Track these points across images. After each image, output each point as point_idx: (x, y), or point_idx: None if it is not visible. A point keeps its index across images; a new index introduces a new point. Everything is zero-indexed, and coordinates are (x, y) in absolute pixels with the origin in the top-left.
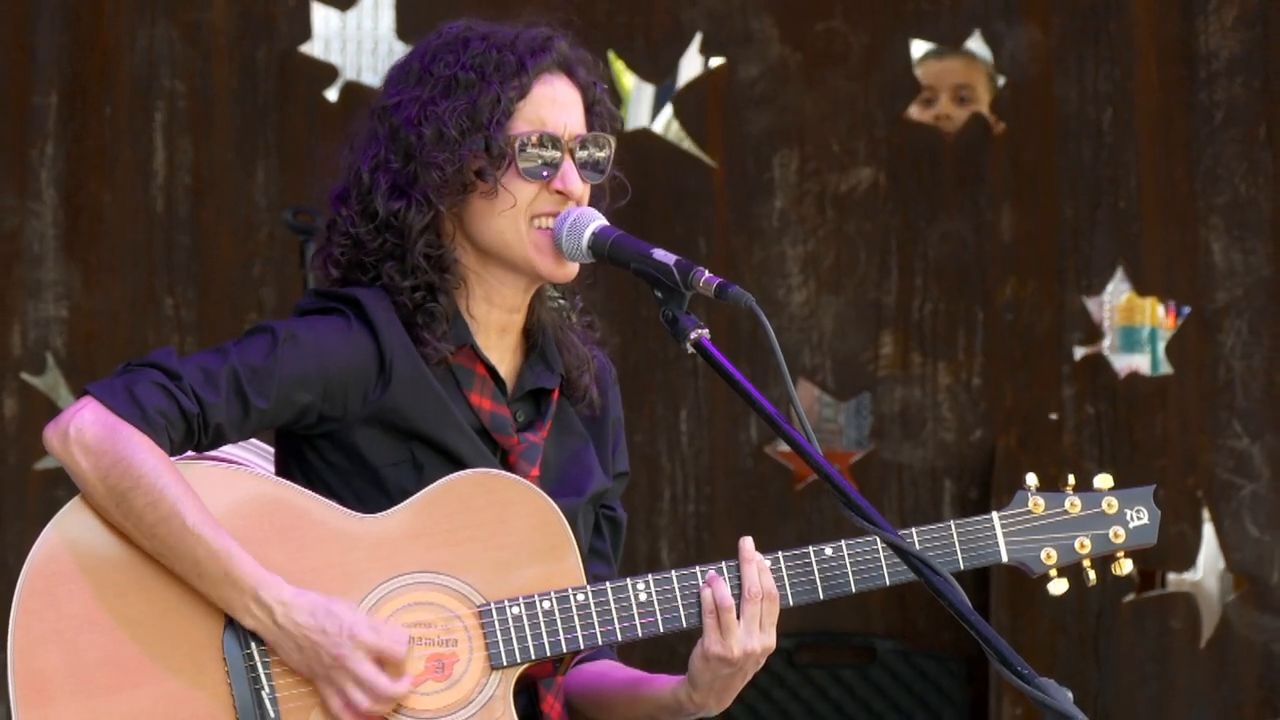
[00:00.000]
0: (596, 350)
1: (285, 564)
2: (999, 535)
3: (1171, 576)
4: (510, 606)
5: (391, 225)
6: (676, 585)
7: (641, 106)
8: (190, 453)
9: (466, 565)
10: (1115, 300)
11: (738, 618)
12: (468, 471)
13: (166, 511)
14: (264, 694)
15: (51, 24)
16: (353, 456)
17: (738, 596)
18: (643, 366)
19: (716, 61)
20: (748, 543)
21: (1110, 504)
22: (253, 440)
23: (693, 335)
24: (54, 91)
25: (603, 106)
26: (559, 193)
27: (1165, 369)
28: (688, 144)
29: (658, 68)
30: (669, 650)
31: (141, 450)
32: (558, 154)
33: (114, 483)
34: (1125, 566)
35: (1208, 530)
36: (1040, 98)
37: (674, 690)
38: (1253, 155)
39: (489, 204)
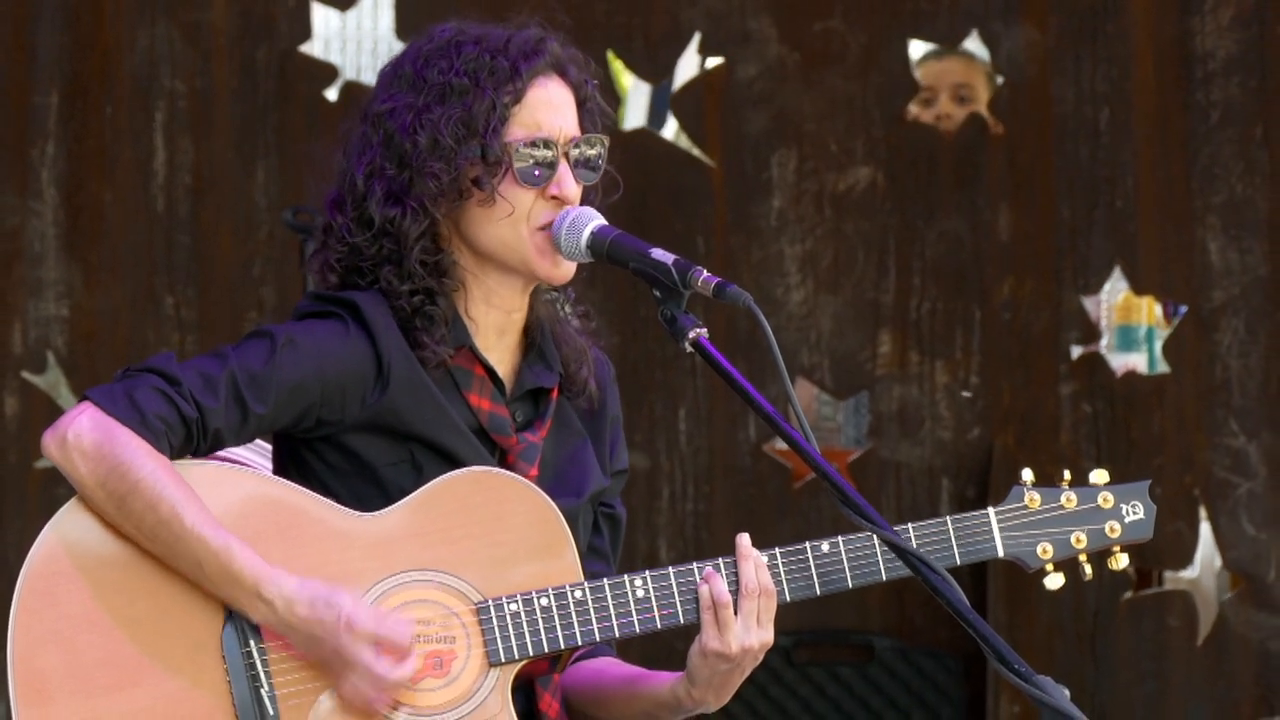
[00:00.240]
0: (595, 349)
1: (284, 563)
2: (995, 530)
3: (1168, 575)
4: (508, 604)
5: (388, 232)
6: (674, 582)
7: (640, 107)
8: (189, 456)
9: (464, 563)
10: (1112, 299)
11: (735, 614)
12: (465, 470)
13: (166, 514)
14: (263, 691)
15: (52, 24)
16: (351, 458)
17: (735, 593)
18: (641, 365)
19: (715, 61)
20: (745, 539)
21: (1106, 499)
22: (254, 440)
23: (691, 334)
24: (55, 91)
25: (594, 104)
26: (555, 199)
27: (1162, 368)
28: (686, 143)
29: (656, 67)
30: (667, 648)
31: (139, 454)
32: (552, 155)
33: (113, 487)
34: (1121, 561)
35: (1205, 528)
36: (1038, 98)
37: (673, 687)
38: (1249, 155)
39: (486, 211)
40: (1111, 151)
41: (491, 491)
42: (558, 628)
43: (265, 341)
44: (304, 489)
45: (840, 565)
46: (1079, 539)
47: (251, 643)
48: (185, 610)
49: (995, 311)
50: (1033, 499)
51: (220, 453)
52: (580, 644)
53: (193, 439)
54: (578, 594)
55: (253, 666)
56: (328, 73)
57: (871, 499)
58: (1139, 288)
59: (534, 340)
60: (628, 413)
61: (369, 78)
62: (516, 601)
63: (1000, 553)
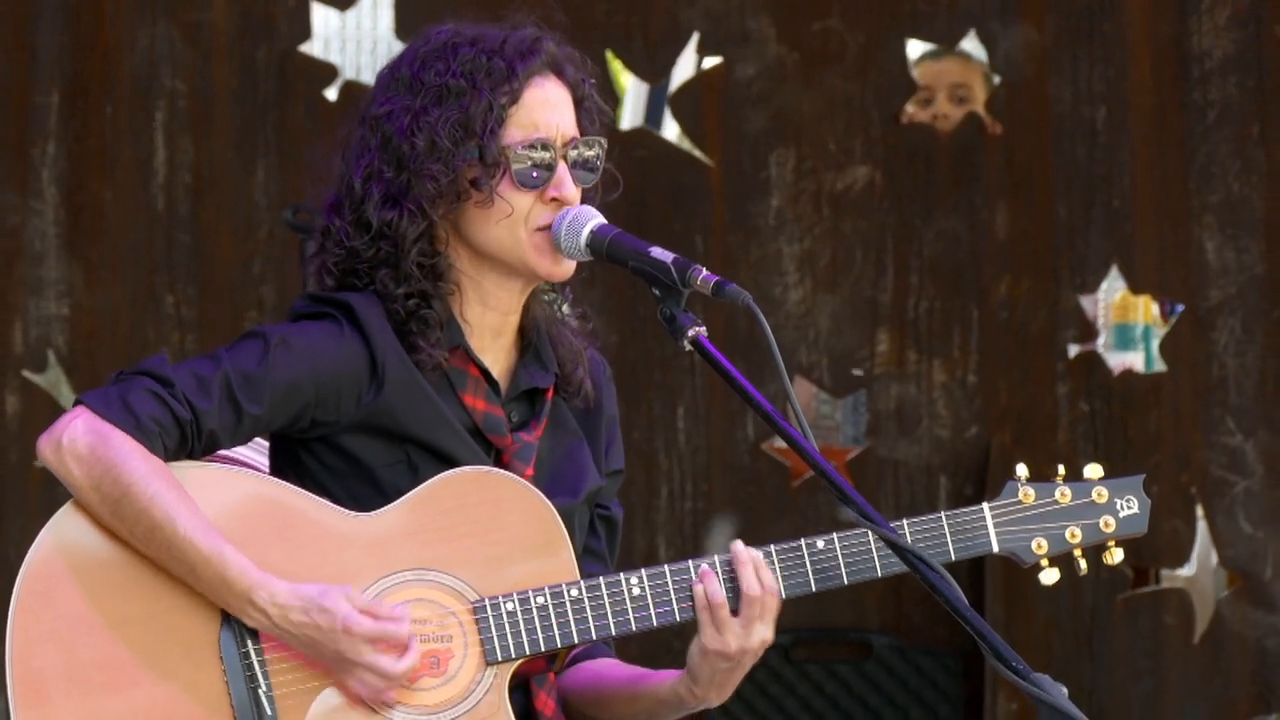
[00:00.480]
0: (592, 350)
1: (282, 563)
2: (990, 526)
3: (1165, 573)
4: (504, 602)
5: (385, 235)
6: (670, 579)
7: (639, 107)
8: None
9: (461, 562)
10: (1109, 298)
11: (735, 614)
12: (461, 469)
13: (159, 518)
14: (261, 691)
15: (52, 24)
16: (347, 459)
17: (732, 590)
18: (640, 364)
19: (713, 61)
20: (739, 546)
21: (1100, 493)
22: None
23: (690, 333)
24: (55, 91)
25: (591, 102)
26: (554, 200)
27: (1159, 366)
28: (684, 142)
29: (655, 67)
30: (665, 646)
31: (134, 458)
32: (550, 156)
33: (107, 491)
34: (1116, 555)
35: (1201, 526)
36: (1035, 97)
37: (674, 685)
38: (1246, 154)
39: (485, 213)
40: (1108, 151)
41: (488, 491)
42: (554, 626)
43: (259, 342)
44: (301, 490)
45: (836, 562)
46: (1074, 534)
47: (249, 643)
48: (182, 611)
49: (993, 310)
50: (1027, 494)
51: (221, 451)
52: (577, 642)
53: (187, 441)
54: (574, 593)
55: (250, 667)
56: (327, 72)
57: (869, 497)
58: (1136, 287)
59: (530, 341)
60: (626, 411)
61: (369, 77)
62: (513, 600)
63: (995, 548)
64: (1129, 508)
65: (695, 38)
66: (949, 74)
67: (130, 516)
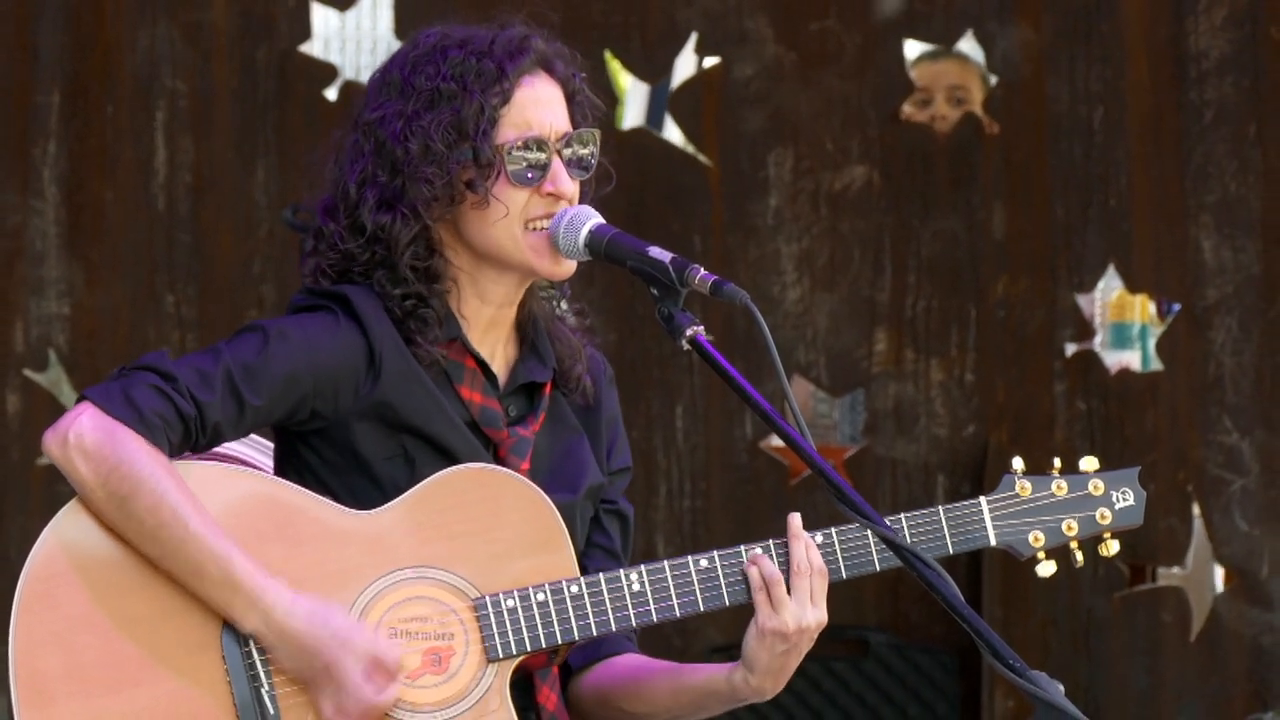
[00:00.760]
0: (592, 348)
1: (282, 562)
2: (987, 519)
3: (1162, 571)
4: (505, 599)
5: (379, 238)
6: (669, 575)
7: (637, 107)
8: (188, 453)
9: (461, 559)
10: (1106, 297)
11: (788, 593)
12: (460, 466)
13: (167, 516)
14: (263, 692)
15: (53, 24)
16: (346, 452)
17: (785, 572)
18: (639, 363)
19: (712, 61)
20: (796, 519)
21: (1096, 486)
22: (253, 435)
23: (688, 332)
24: (56, 90)
25: (584, 97)
26: (550, 195)
27: (1156, 365)
28: (683, 143)
29: (653, 67)
30: (665, 643)
31: (140, 455)
32: (544, 155)
33: (114, 488)
34: (1113, 548)
35: (1198, 525)
36: (1032, 97)
37: (728, 676)
38: (1242, 154)
39: (481, 213)
40: (1105, 150)
41: (488, 488)
42: (555, 623)
43: (257, 335)
44: (301, 488)
45: (834, 556)
46: (1070, 526)
47: (251, 643)
48: (185, 611)
49: (990, 309)
50: (1024, 487)
51: (222, 449)
52: (578, 639)
53: (191, 434)
54: (574, 589)
55: (252, 666)
56: (327, 72)
57: (867, 495)
58: (1133, 286)
59: (528, 336)
60: (625, 410)
61: (368, 77)
62: (513, 597)
63: (992, 541)
64: (1125, 500)
65: (693, 38)
66: (946, 74)
67: (137, 514)
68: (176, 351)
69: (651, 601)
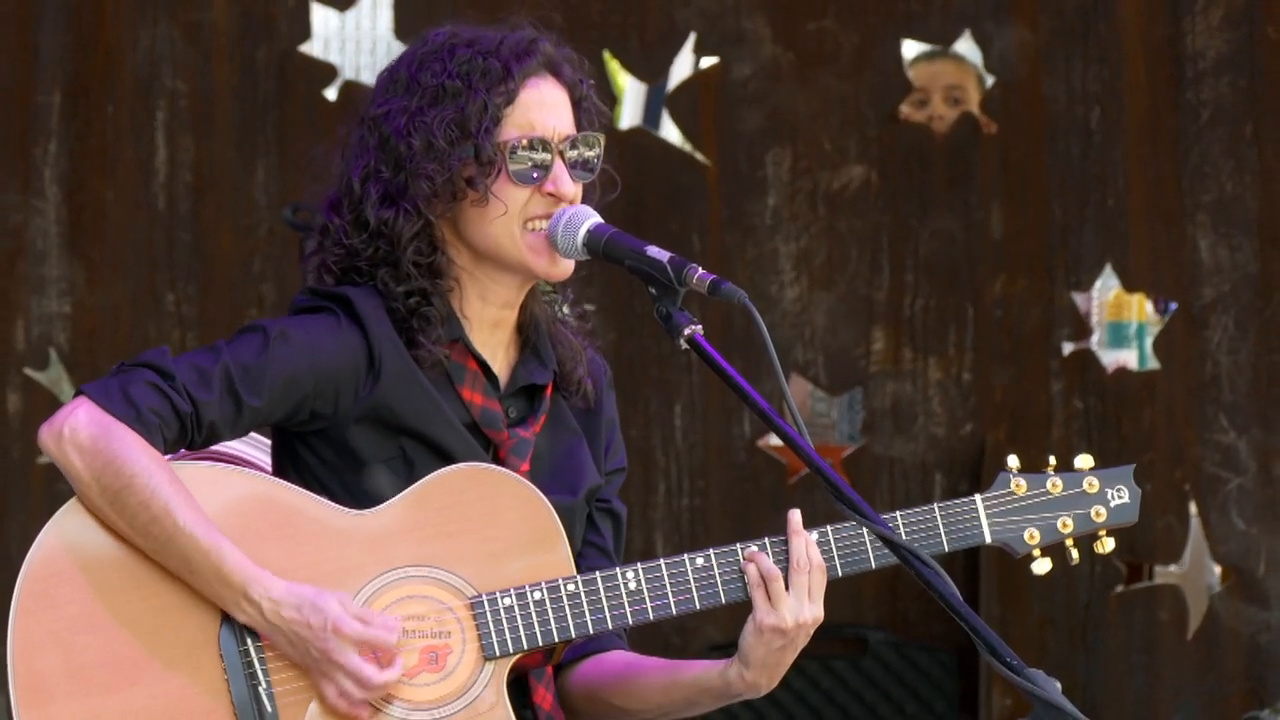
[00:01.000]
0: (592, 351)
1: (280, 561)
2: (982, 517)
3: (1159, 569)
4: (502, 598)
5: (382, 234)
6: (665, 573)
7: (636, 106)
8: (184, 451)
9: (458, 558)
10: (1103, 296)
11: (786, 589)
12: (458, 466)
13: (159, 510)
14: (261, 689)
15: (54, 24)
16: (344, 453)
17: (782, 569)
18: (637, 362)
19: (710, 61)
20: (796, 515)
21: (1091, 484)
22: (252, 434)
23: (686, 331)
24: (57, 90)
25: (590, 103)
26: (551, 195)
27: (1153, 364)
28: (682, 142)
29: (652, 67)
30: (663, 640)
31: (134, 450)
32: (548, 156)
33: (107, 482)
34: (1108, 545)
35: (1195, 523)
36: (1029, 97)
37: (723, 671)
38: (1239, 153)
39: (481, 211)
40: (1102, 150)
41: (485, 487)
42: (551, 621)
43: (258, 335)
44: (299, 488)
45: (830, 554)
46: (1065, 523)
47: (249, 641)
48: (183, 610)
49: (987, 308)
50: (1019, 485)
51: (220, 447)
52: (574, 637)
53: (187, 433)
54: (570, 587)
55: (250, 665)
56: (327, 72)
57: (865, 494)
58: (1130, 285)
59: (529, 338)
60: (623, 408)
61: (368, 77)
62: (510, 596)
63: (988, 539)
64: (1120, 497)
65: (692, 38)
66: (944, 74)
67: (130, 508)
68: (177, 350)
69: (648, 600)
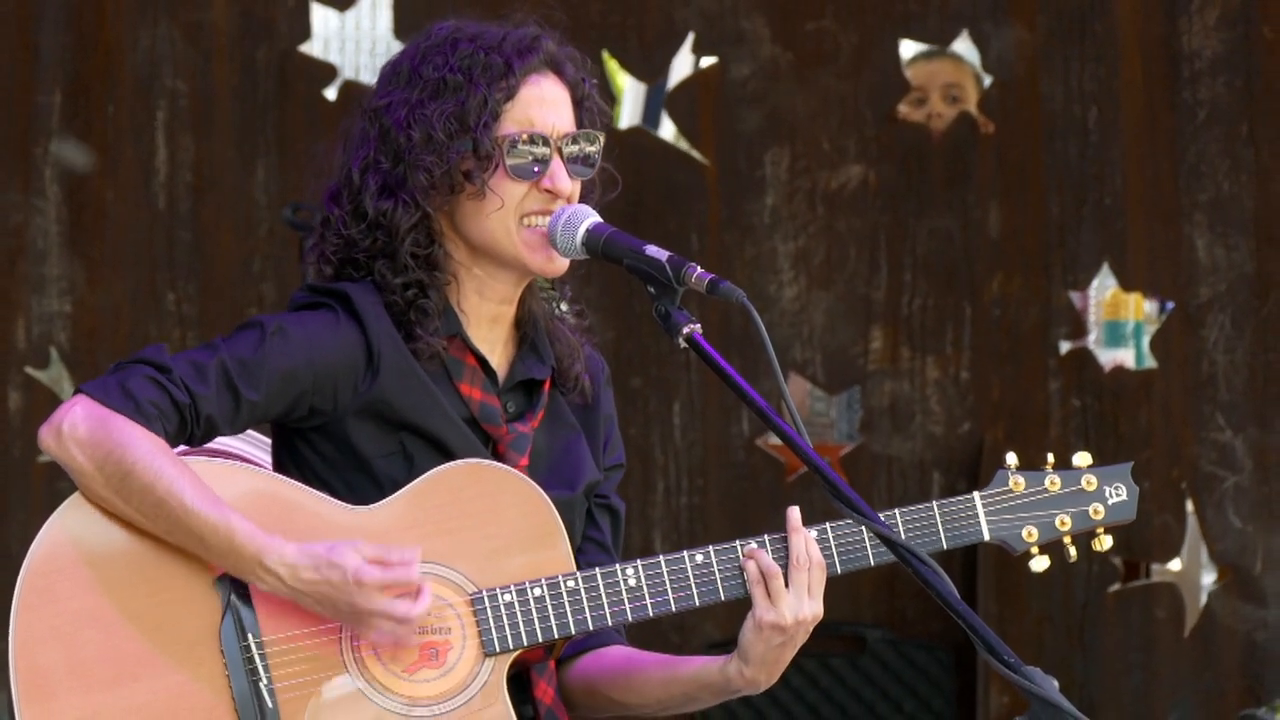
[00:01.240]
0: (590, 348)
1: None
2: (980, 514)
3: (1156, 567)
4: (502, 594)
5: (380, 225)
6: (665, 570)
7: (635, 106)
8: (185, 447)
9: (458, 554)
10: (1100, 295)
11: (786, 585)
12: (458, 462)
13: (164, 492)
14: (262, 685)
15: (55, 24)
16: (344, 449)
17: (782, 566)
18: (636, 360)
19: (709, 61)
20: (795, 513)
21: (1089, 481)
22: (250, 432)
23: (685, 330)
24: (58, 90)
25: (592, 103)
26: (548, 191)
27: (1150, 363)
28: (680, 141)
29: (651, 67)
30: (661, 638)
31: (135, 437)
32: (546, 151)
33: (110, 471)
34: (1105, 543)
35: (1191, 521)
36: (1027, 97)
37: (722, 667)
38: (1235, 153)
39: (478, 205)
40: (1100, 150)
41: (485, 484)
42: (551, 617)
43: (256, 331)
44: (300, 484)
45: (829, 551)
46: (1063, 521)
47: (249, 636)
48: (183, 605)
49: (985, 307)
50: (1017, 483)
51: (218, 445)
52: (574, 633)
53: (186, 425)
54: (570, 584)
55: (251, 660)
56: (327, 72)
57: (863, 492)
58: (1127, 284)
59: (527, 334)
60: (622, 407)
61: (367, 77)
62: (510, 592)
63: (986, 536)
64: (1117, 495)
65: (691, 38)
66: (941, 75)
67: (135, 494)
68: (177, 348)
69: (648, 596)
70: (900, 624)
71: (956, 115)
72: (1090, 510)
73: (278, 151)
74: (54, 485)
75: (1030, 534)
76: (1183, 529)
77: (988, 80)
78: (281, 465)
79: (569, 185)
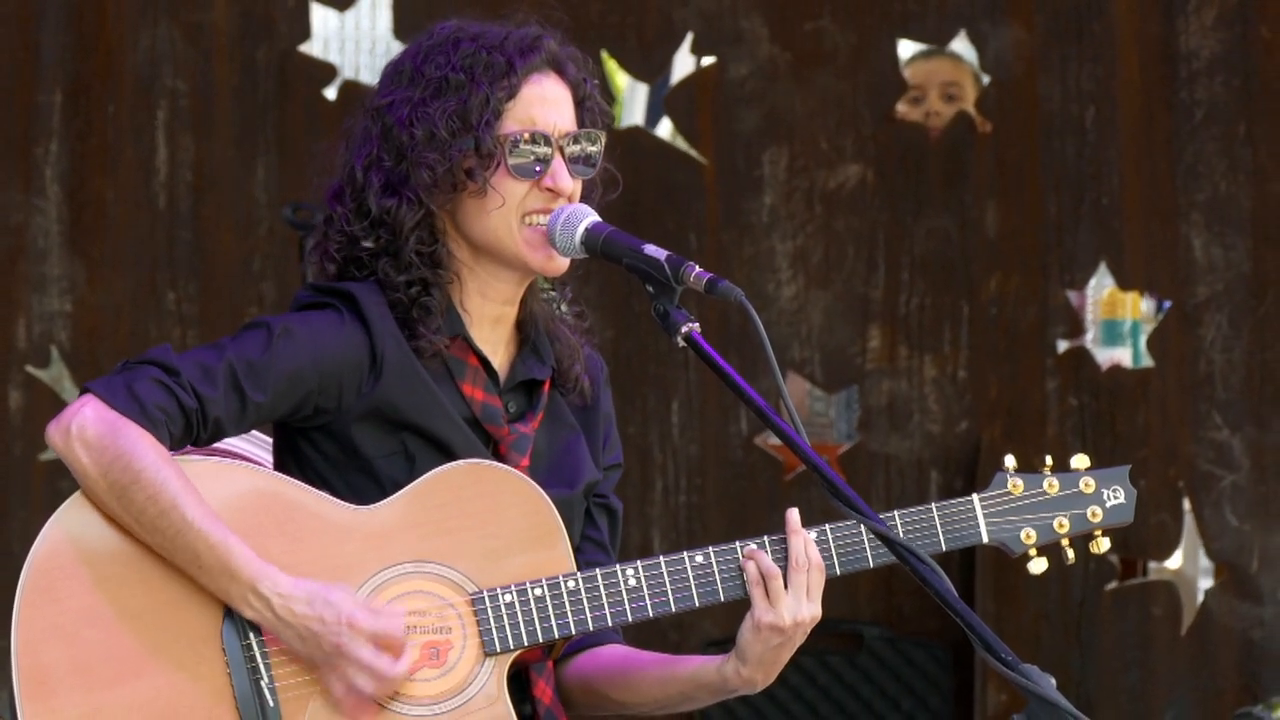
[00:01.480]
0: (589, 348)
1: (282, 556)
2: (979, 516)
3: (1153, 565)
4: (502, 594)
5: (384, 223)
6: (665, 570)
7: (634, 105)
8: (189, 447)
9: (459, 554)
10: (1098, 294)
11: (785, 587)
12: (459, 462)
13: (166, 506)
14: (263, 684)
15: (56, 24)
16: (346, 448)
17: (782, 567)
18: (635, 359)
19: (707, 60)
20: (794, 514)
21: (1087, 484)
22: (254, 433)
23: (683, 329)
24: (58, 90)
25: (593, 102)
26: (549, 190)
27: (1147, 362)
28: (678, 140)
29: (650, 67)
30: (660, 636)
31: (141, 446)
32: (548, 150)
33: (115, 478)
34: (1103, 545)
35: (1188, 520)
36: (1024, 96)
37: (720, 667)
38: (1232, 153)
39: (479, 203)
40: (1097, 149)
41: (485, 484)
42: (551, 617)
43: (262, 332)
44: (301, 483)
45: (828, 552)
46: (1061, 523)
47: (251, 636)
48: (186, 604)
49: (983, 306)
50: (1016, 485)
51: (222, 445)
52: (574, 633)
53: (192, 429)
54: (570, 584)
55: (252, 659)
56: (326, 72)
57: (861, 491)
58: (1124, 283)
59: (528, 335)
60: (621, 406)
61: (367, 77)
62: (511, 592)
63: (985, 538)
64: (1115, 497)
65: (689, 38)
66: (939, 74)
67: (137, 504)
68: (177, 347)
69: (647, 597)
70: (898, 622)
71: (954, 114)
72: (1088, 513)
73: (278, 151)
74: (55, 484)
75: (1029, 536)
76: (1180, 527)
77: (985, 80)
78: (283, 464)
79: (570, 184)
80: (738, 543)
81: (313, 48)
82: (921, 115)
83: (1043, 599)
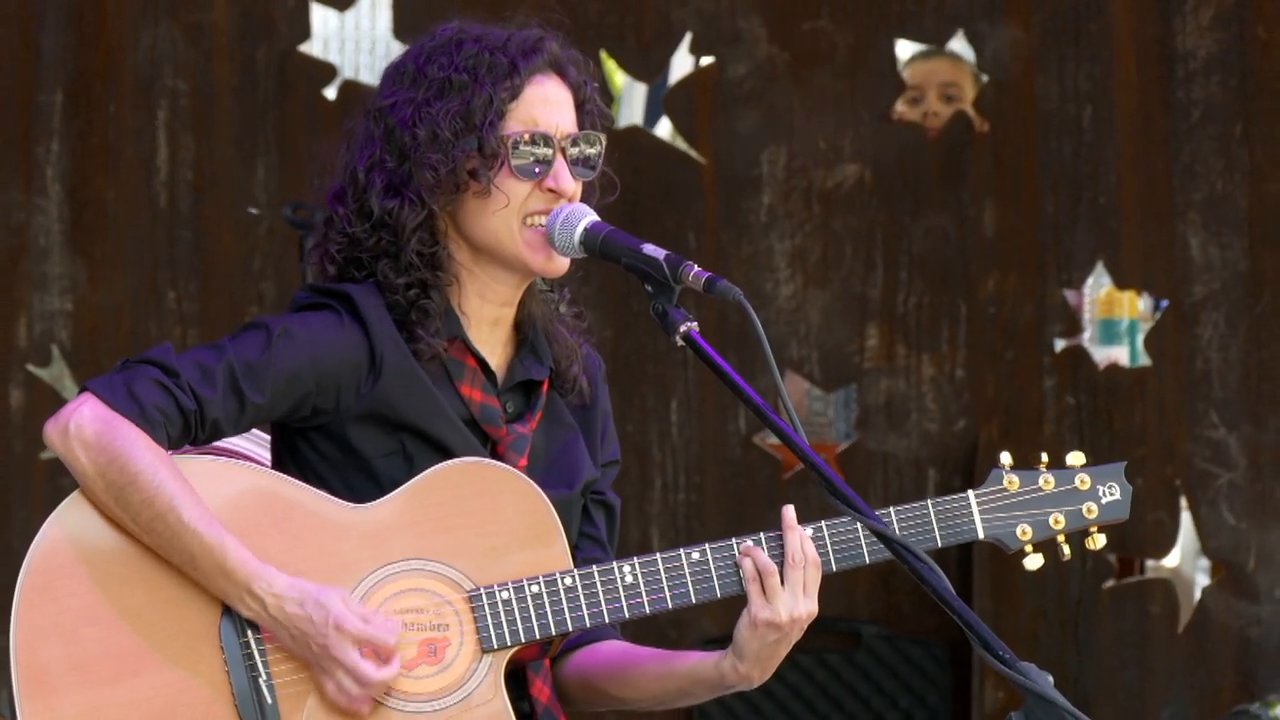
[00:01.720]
0: (588, 347)
1: (280, 554)
2: (975, 513)
3: (1150, 563)
4: (500, 591)
5: (385, 224)
6: (662, 568)
7: (633, 105)
8: (187, 447)
9: (456, 552)
10: (1095, 293)
11: (781, 583)
12: (457, 460)
13: (163, 507)
14: (261, 681)
15: (56, 24)
16: (345, 448)
17: (779, 563)
18: (634, 358)
19: (706, 60)
20: (790, 511)
21: (1083, 480)
22: (254, 431)
23: (682, 328)
24: (59, 89)
25: (593, 105)
26: (551, 191)
27: (1144, 361)
28: (677, 140)
29: (648, 67)
30: (659, 634)
31: (139, 447)
32: (550, 152)
33: (112, 478)
34: (1099, 541)
35: (1185, 518)
36: (1022, 96)
37: (717, 663)
38: (1229, 152)
39: (482, 203)
40: (1094, 149)
41: (483, 482)
42: (548, 614)
43: (261, 333)
44: (299, 482)
45: (825, 549)
46: (1057, 520)
47: (249, 633)
48: (184, 602)
49: (980, 305)
50: (1011, 481)
51: (221, 443)
52: (571, 630)
53: (191, 430)
54: (567, 581)
55: (250, 656)
56: (326, 72)
57: (859, 489)
58: (1121, 282)
59: (526, 336)
60: (620, 404)
61: (367, 77)
62: (508, 589)
63: (980, 535)
64: (1111, 494)
65: (688, 38)
66: (938, 74)
67: (134, 504)
68: (178, 347)
69: (644, 593)
70: (895, 620)
71: (952, 114)
72: (1084, 509)
73: (278, 151)
74: (55, 482)
75: (1024, 532)
76: (1176, 526)
77: (983, 80)
78: (281, 464)
79: (572, 185)
80: (734, 540)
81: (313, 48)
82: (919, 115)
83: (1040, 597)
